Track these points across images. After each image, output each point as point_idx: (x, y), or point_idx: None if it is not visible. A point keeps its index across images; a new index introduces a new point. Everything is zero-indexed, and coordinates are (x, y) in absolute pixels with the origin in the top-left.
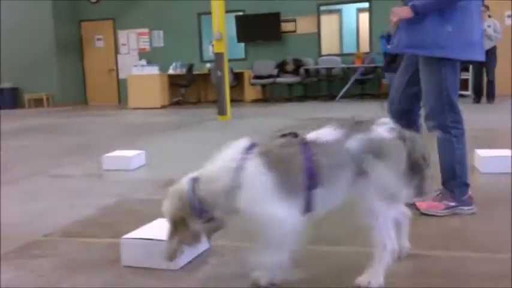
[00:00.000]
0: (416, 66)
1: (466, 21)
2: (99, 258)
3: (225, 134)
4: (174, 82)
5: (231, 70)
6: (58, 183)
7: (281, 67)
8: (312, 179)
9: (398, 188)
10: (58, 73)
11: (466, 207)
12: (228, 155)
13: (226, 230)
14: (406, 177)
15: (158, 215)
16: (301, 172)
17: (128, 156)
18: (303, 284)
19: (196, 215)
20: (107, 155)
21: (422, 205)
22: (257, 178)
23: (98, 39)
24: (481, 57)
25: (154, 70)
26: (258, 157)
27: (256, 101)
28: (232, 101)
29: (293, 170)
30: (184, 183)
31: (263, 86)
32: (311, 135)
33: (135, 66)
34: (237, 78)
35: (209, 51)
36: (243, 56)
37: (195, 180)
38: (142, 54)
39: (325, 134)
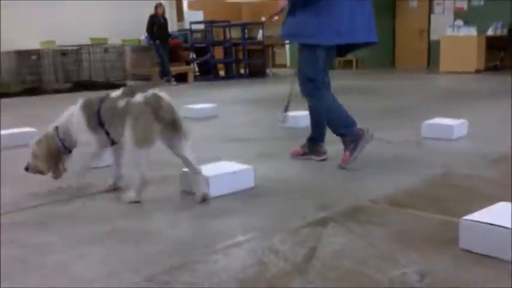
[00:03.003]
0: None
1: (334, 13)
2: (432, 235)
3: None
4: (492, 44)
5: None
6: (379, 148)
7: None
8: (98, 119)
9: (141, 135)
10: None
11: (315, 157)
12: (71, 107)
13: None
14: (168, 129)
15: (493, 196)
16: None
17: (450, 125)
18: None
19: (60, 149)
20: (426, 122)
21: (292, 149)
22: (76, 117)
23: None
24: (360, 39)
25: (471, 31)
26: (79, 104)
27: None
28: None
29: (93, 113)
30: (50, 130)
31: None
32: (113, 93)
33: (450, 26)
34: None
35: None
36: None
37: (56, 128)
38: (458, 13)
39: (114, 93)
